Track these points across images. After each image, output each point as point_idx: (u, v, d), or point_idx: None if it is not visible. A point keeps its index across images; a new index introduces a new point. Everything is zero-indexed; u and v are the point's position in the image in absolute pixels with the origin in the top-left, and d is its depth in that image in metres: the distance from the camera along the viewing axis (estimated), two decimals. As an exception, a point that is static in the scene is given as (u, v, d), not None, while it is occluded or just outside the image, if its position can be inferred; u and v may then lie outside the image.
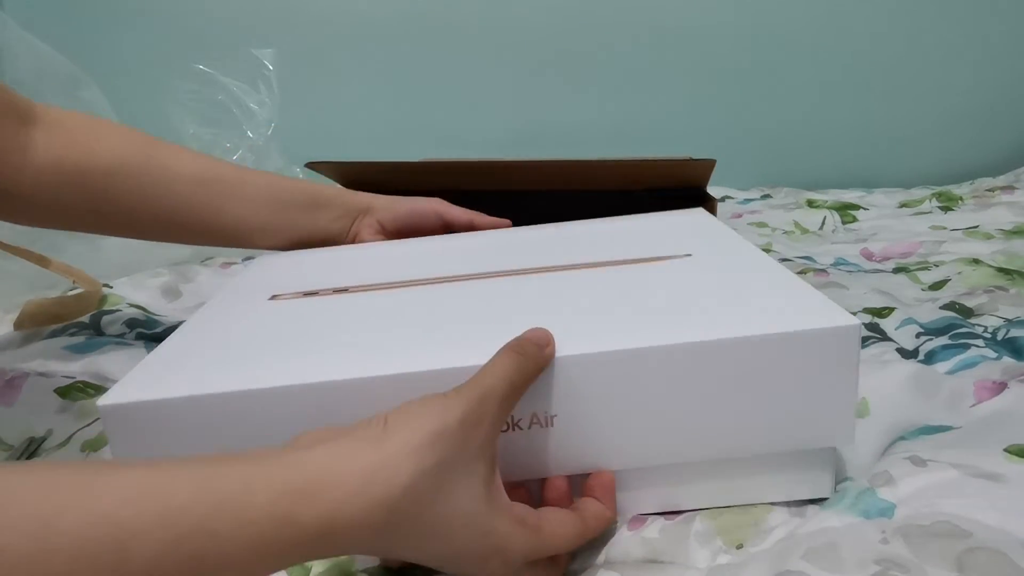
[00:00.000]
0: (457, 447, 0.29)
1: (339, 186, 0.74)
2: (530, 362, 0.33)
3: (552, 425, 0.36)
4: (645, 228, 0.58)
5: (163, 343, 0.42)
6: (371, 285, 0.50)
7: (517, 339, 0.34)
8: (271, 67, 1.09)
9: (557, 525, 0.33)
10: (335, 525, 0.26)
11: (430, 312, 0.43)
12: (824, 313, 0.36)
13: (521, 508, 0.32)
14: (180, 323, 0.68)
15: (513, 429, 0.35)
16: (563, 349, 0.35)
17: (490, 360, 0.33)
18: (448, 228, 0.65)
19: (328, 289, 0.50)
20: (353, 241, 0.64)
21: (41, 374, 0.56)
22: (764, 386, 0.36)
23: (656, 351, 0.35)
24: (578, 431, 0.36)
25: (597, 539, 0.36)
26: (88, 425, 0.51)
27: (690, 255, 0.48)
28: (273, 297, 0.49)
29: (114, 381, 0.58)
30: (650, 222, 0.61)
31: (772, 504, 0.38)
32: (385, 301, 0.46)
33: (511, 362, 0.33)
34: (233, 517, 0.25)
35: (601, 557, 0.36)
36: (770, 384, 0.36)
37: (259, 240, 0.61)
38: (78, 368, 0.59)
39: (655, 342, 0.35)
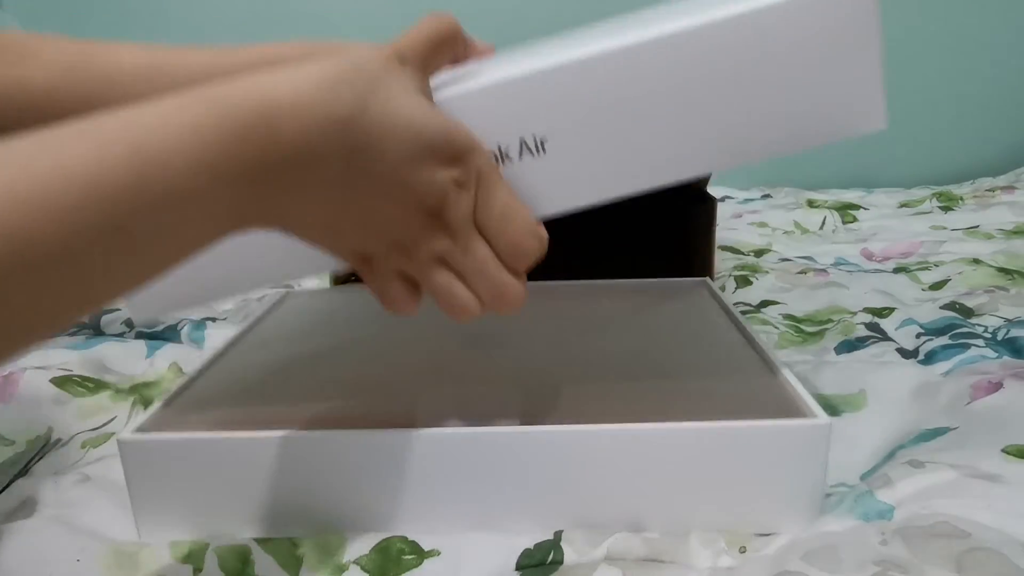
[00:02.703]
0: (382, 71, 0.28)
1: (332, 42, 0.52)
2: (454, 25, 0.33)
3: (544, 152, 0.32)
4: None
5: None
6: None
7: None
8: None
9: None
10: (279, 124, 0.25)
11: None
12: None
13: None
14: (180, 322, 0.69)
15: (503, 161, 0.32)
16: (547, 59, 0.32)
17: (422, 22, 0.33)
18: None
19: None
20: None
21: (38, 368, 0.56)
22: (774, 72, 0.31)
23: (649, 46, 0.31)
24: (574, 156, 0.32)
25: (597, 535, 0.36)
26: (92, 430, 0.51)
27: None
28: None
29: (111, 371, 0.58)
30: None
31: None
32: None
33: (436, 22, 0.33)
34: (182, 123, 0.23)
35: (602, 552, 0.36)
36: (781, 68, 0.31)
37: None
38: (76, 361, 0.59)
39: (647, 37, 0.31)
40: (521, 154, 0.32)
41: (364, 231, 0.30)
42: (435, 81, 0.34)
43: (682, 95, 0.31)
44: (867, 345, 0.58)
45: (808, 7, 0.30)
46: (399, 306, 0.33)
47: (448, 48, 0.34)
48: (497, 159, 0.32)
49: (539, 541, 0.36)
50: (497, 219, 0.31)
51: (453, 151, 0.29)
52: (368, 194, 0.28)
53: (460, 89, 0.33)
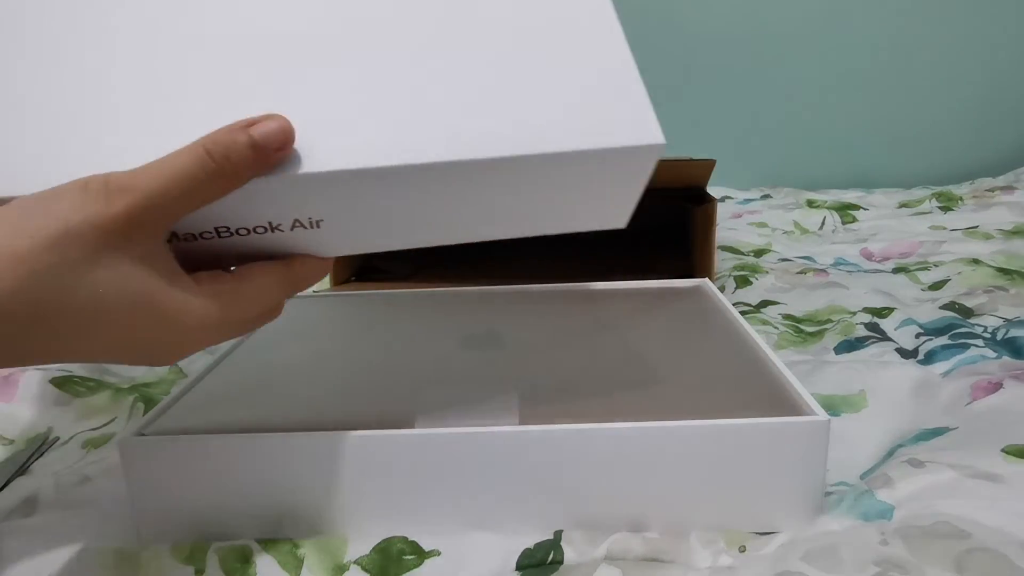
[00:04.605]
0: (95, 245, 0.26)
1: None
2: (229, 167, 0.28)
3: (318, 228, 0.33)
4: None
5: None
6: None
7: (220, 133, 0.28)
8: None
9: (259, 269, 0.31)
10: None
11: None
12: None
13: (211, 276, 0.30)
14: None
15: (273, 231, 0.32)
16: (329, 160, 0.30)
17: (174, 154, 0.27)
18: None
19: None
20: None
21: (38, 368, 0.56)
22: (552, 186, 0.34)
23: (422, 169, 0.31)
24: (347, 229, 0.33)
25: (597, 535, 0.36)
26: (92, 430, 0.51)
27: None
28: None
29: (111, 372, 0.59)
30: None
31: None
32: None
33: (193, 164, 0.27)
34: None
35: (602, 551, 0.36)
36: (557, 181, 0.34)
37: None
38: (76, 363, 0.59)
39: (412, 159, 0.31)
40: (293, 227, 0.33)
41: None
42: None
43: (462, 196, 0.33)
44: (867, 345, 0.58)
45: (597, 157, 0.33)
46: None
47: (195, 201, 0.28)
48: (267, 229, 0.32)
49: (539, 541, 0.36)
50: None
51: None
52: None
53: None
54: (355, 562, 0.36)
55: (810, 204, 1.11)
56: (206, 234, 0.31)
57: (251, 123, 0.29)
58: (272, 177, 0.30)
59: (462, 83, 0.35)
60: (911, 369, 0.52)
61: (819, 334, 0.62)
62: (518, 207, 0.35)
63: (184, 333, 0.29)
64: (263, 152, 0.29)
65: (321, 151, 0.31)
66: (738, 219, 1.07)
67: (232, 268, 0.32)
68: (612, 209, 0.37)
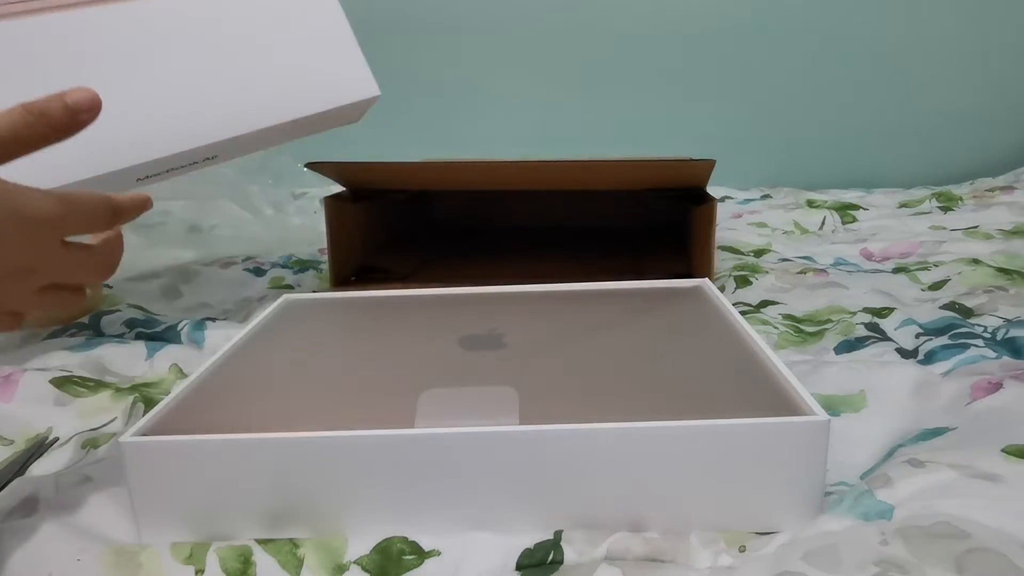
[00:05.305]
0: None
1: None
2: (43, 124, 0.35)
3: None
4: None
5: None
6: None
7: (39, 99, 0.35)
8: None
9: (85, 195, 0.36)
10: None
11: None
12: None
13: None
14: (180, 322, 0.69)
15: None
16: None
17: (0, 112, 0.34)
18: None
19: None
20: None
21: (38, 369, 0.56)
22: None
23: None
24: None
25: (597, 535, 0.36)
26: (92, 430, 0.51)
27: None
28: None
29: (111, 372, 0.59)
30: None
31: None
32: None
33: (17, 120, 0.34)
34: None
35: (602, 552, 0.36)
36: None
37: None
38: (76, 362, 0.59)
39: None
40: None
41: None
42: None
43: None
44: (867, 345, 0.58)
45: None
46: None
47: (20, 150, 0.35)
48: None
49: (539, 541, 0.36)
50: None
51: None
52: None
53: None
54: (355, 562, 0.36)
55: (810, 204, 1.11)
56: None
57: (65, 92, 0.36)
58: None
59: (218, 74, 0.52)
60: (911, 369, 0.52)
61: (819, 334, 0.62)
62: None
63: (29, 219, 0.34)
64: (73, 112, 0.35)
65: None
66: (738, 219, 1.07)
67: None
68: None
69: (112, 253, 0.40)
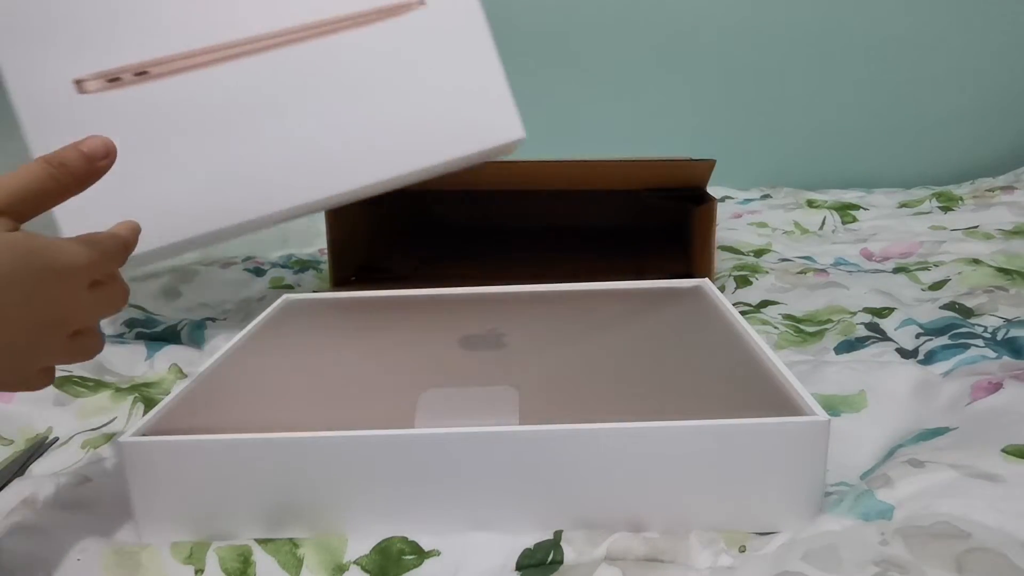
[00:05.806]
0: None
1: None
2: (64, 174, 0.35)
3: None
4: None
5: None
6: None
7: (58, 151, 0.35)
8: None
9: (104, 236, 0.37)
10: None
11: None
12: None
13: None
14: (180, 322, 0.69)
15: None
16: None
17: (25, 166, 0.35)
18: None
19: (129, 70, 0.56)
20: None
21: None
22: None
23: None
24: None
25: (597, 535, 0.36)
26: (92, 430, 0.51)
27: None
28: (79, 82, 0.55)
29: (111, 372, 0.59)
30: None
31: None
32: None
33: (39, 170, 0.35)
34: None
35: (602, 552, 0.36)
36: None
37: None
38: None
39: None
40: None
41: None
42: None
43: None
44: (867, 345, 0.58)
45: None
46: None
47: (47, 201, 0.36)
48: None
49: (539, 541, 0.36)
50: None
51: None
52: None
53: None
54: (355, 562, 0.36)
55: (810, 204, 1.11)
56: None
57: (81, 141, 0.36)
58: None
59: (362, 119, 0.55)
60: (911, 369, 0.52)
61: (819, 334, 0.62)
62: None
63: (64, 270, 0.33)
64: (90, 159, 0.36)
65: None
66: (738, 219, 1.07)
67: None
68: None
69: (123, 283, 0.39)
